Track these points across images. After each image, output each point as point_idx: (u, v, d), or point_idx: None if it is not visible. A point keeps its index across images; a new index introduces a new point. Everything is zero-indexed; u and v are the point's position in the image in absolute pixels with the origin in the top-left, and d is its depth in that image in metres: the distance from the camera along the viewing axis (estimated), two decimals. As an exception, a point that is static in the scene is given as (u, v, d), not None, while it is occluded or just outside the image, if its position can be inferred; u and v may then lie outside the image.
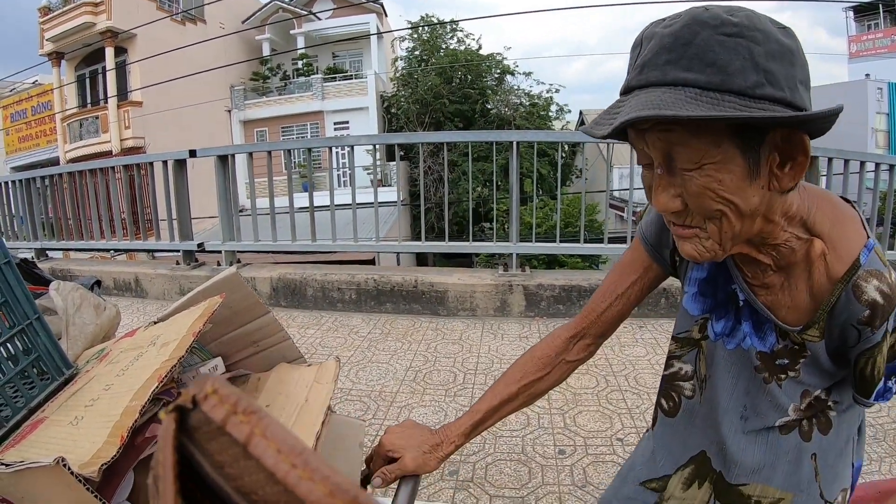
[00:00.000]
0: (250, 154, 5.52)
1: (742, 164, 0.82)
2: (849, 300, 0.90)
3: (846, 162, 4.76)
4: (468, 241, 5.33)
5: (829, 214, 0.94)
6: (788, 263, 0.95)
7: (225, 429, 0.27)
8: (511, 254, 4.90)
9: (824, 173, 4.78)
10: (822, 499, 1.05)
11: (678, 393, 1.21)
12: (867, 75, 23.30)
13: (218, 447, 0.27)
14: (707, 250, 0.90)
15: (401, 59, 24.96)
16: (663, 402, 1.25)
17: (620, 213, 16.97)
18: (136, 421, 0.97)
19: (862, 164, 4.86)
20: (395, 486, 1.11)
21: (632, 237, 5.02)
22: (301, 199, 5.46)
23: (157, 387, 1.05)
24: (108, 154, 18.75)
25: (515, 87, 23.63)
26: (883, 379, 0.95)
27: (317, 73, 24.85)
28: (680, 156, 0.83)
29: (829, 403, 1.02)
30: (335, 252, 5.58)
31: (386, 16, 27.41)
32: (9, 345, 1.26)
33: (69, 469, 0.82)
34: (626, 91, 0.85)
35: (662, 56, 0.81)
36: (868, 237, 0.93)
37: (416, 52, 24.07)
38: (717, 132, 0.80)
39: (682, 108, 0.76)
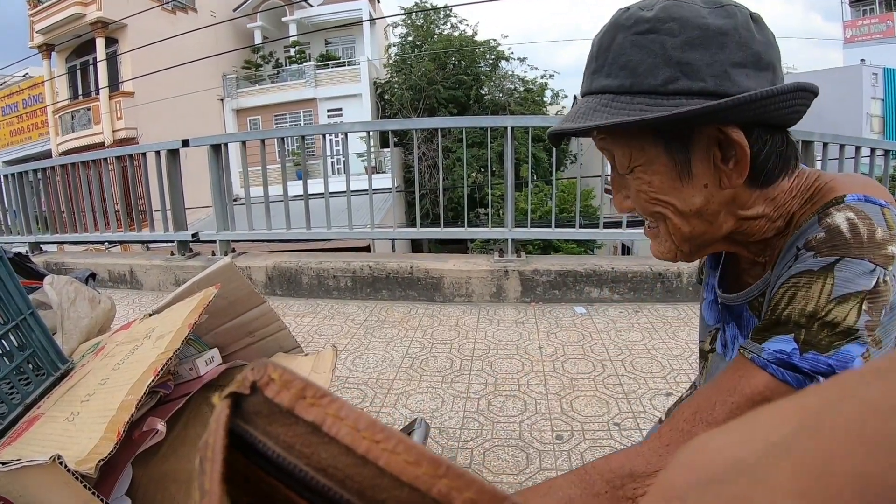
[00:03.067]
0: (243, 143, 5.49)
1: (668, 164, 0.80)
2: (810, 225, 0.78)
3: (841, 147, 4.76)
4: (463, 227, 5.31)
5: (836, 176, 0.84)
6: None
7: (293, 412, 0.28)
8: (507, 239, 4.90)
9: (819, 158, 4.78)
10: None
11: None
12: (862, 60, 23.30)
13: (283, 429, 0.28)
14: (666, 250, 0.90)
15: (394, 46, 24.85)
16: None
17: (615, 198, 16.96)
18: (132, 415, 0.97)
19: (857, 149, 4.85)
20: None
21: (627, 222, 4.99)
22: (295, 188, 5.44)
23: (153, 380, 1.05)
24: (100, 146, 18.65)
25: (510, 73, 23.56)
26: (792, 337, 0.74)
27: (309, 61, 24.72)
28: (617, 160, 0.86)
29: None
30: (330, 240, 5.57)
31: (378, 1, 27.28)
32: (3, 341, 1.25)
33: (66, 467, 0.82)
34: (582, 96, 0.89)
35: (591, 65, 0.83)
36: (885, 202, 0.76)
37: (410, 38, 23.96)
38: (638, 137, 0.81)
39: (587, 118, 0.79)
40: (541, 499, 0.84)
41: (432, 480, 0.25)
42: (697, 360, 1.16)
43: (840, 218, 0.74)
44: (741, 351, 0.80)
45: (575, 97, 0.91)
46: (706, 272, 1.11)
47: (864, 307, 0.70)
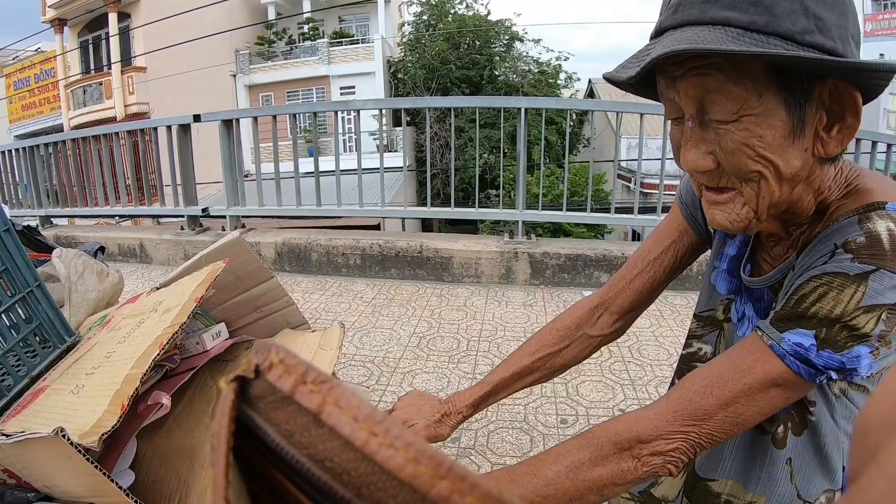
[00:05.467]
0: (255, 118, 5.48)
1: (785, 119, 0.74)
2: (849, 224, 0.77)
3: (858, 141, 4.68)
4: (474, 207, 5.29)
5: (875, 177, 0.83)
6: (807, 241, 0.85)
7: (293, 398, 0.26)
8: (517, 221, 4.88)
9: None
10: (800, 499, 0.96)
11: None
12: (881, 55, 22.91)
13: (285, 416, 0.27)
14: (740, 218, 0.82)
15: (408, 24, 24.67)
16: (677, 382, 1.15)
17: (628, 184, 16.89)
18: (137, 389, 0.97)
19: (873, 144, 4.77)
20: None
21: (639, 208, 4.95)
22: (306, 165, 5.43)
23: (158, 354, 1.04)
24: (112, 120, 18.65)
25: (524, 54, 23.38)
26: (812, 333, 0.75)
27: (323, 38, 24.60)
28: (715, 106, 0.75)
29: (804, 401, 0.91)
30: (340, 217, 5.56)
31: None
32: (10, 313, 1.25)
33: (69, 440, 0.82)
34: (658, 34, 0.78)
35: None
36: None
37: (424, 17, 23.78)
38: (759, 80, 0.72)
39: (724, 44, 0.69)
40: (550, 466, 0.85)
41: (432, 481, 0.24)
42: (694, 328, 1.13)
43: (882, 226, 0.73)
44: (759, 333, 0.81)
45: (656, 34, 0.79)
46: (724, 240, 1.06)
47: (882, 317, 0.72)
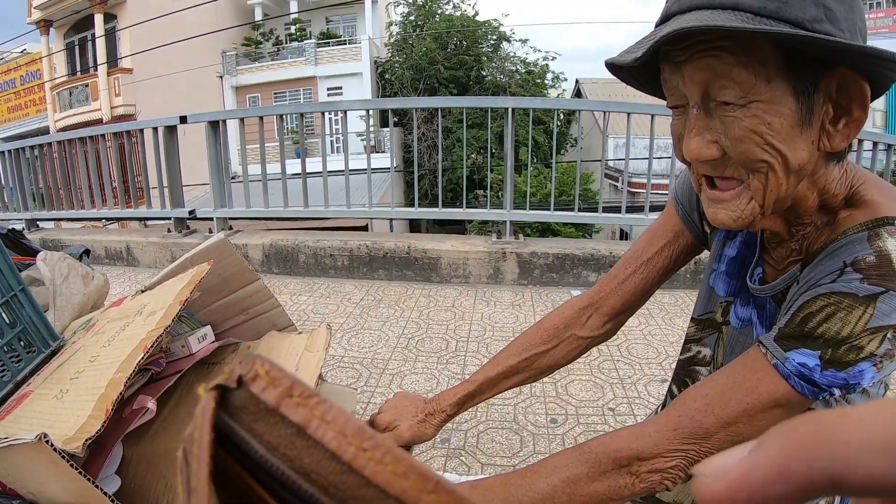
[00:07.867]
0: (242, 120, 5.46)
1: (794, 106, 0.72)
2: (859, 240, 0.76)
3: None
4: (462, 207, 5.29)
5: (881, 187, 0.83)
6: (812, 249, 0.84)
7: (278, 411, 0.26)
8: (505, 221, 4.88)
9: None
10: None
11: (693, 378, 1.11)
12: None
13: (268, 428, 0.26)
14: (745, 215, 0.79)
15: (395, 24, 24.65)
16: (674, 388, 1.16)
17: (615, 183, 16.94)
18: (121, 393, 0.96)
19: (860, 142, 4.79)
20: None
21: (627, 207, 4.95)
22: (293, 166, 5.41)
23: (142, 358, 1.03)
24: (98, 122, 18.52)
25: (511, 54, 23.40)
26: (818, 354, 0.75)
27: (310, 39, 24.54)
28: (723, 90, 0.73)
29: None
30: (328, 218, 5.55)
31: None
32: (-7, 317, 1.24)
33: (52, 445, 0.81)
34: (664, 20, 0.77)
35: None
36: None
37: (412, 17, 23.76)
38: (768, 64, 0.71)
39: (735, 24, 0.67)
40: (545, 479, 0.85)
41: (419, 495, 0.24)
42: (692, 333, 1.11)
43: (892, 245, 0.73)
44: (762, 350, 0.80)
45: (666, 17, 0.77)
46: (724, 243, 1.04)
47: (888, 336, 0.71)
